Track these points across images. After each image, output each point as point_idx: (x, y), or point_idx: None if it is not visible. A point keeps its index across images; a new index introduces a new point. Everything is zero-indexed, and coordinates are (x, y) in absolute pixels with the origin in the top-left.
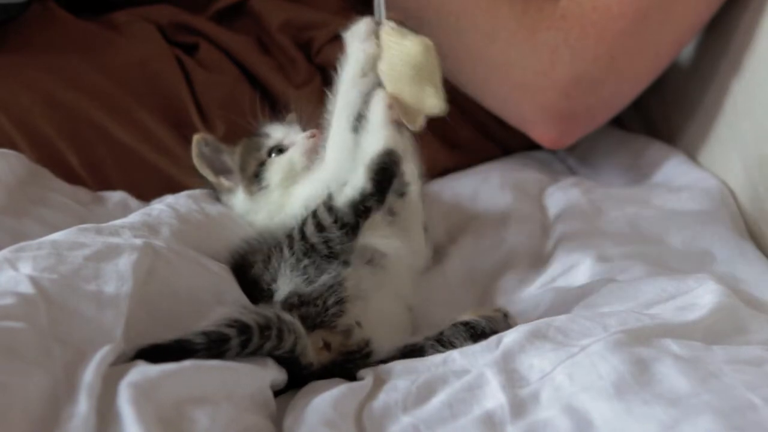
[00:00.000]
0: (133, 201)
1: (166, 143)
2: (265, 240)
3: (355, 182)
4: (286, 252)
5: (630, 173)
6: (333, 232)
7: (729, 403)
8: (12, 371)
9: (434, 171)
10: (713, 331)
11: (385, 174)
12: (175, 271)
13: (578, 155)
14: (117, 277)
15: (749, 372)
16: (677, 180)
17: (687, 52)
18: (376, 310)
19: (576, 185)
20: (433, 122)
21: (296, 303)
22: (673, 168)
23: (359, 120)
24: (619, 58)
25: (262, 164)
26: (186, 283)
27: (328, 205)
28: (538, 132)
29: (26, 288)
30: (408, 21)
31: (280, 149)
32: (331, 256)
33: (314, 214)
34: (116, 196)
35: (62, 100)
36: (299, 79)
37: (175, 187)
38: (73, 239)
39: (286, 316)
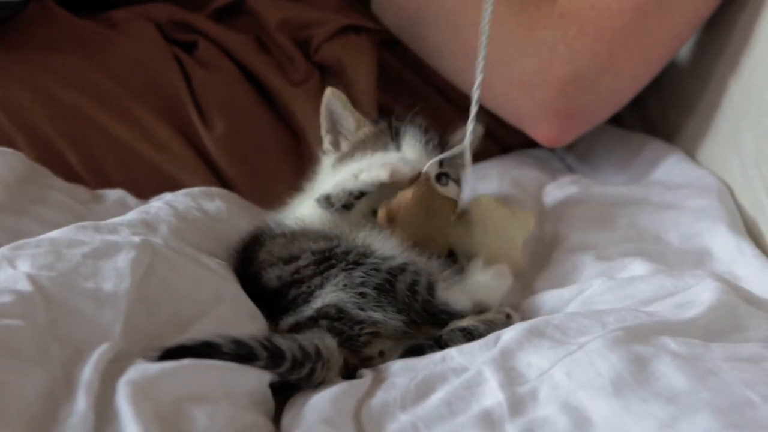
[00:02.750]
0: (131, 199)
1: (165, 141)
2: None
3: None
4: (358, 271)
5: (628, 171)
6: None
7: (727, 401)
8: (10, 369)
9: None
10: (712, 328)
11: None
12: (174, 269)
13: (577, 153)
14: (115, 275)
15: (747, 369)
16: (676, 178)
17: (685, 50)
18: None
19: (574, 183)
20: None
21: (333, 316)
22: (671, 166)
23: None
24: (618, 55)
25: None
26: (184, 281)
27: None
28: (536, 130)
29: (24, 286)
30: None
31: None
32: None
33: (414, 280)
34: (115, 195)
35: (61, 98)
36: (298, 77)
37: (174, 185)
38: (71, 237)
39: (326, 351)
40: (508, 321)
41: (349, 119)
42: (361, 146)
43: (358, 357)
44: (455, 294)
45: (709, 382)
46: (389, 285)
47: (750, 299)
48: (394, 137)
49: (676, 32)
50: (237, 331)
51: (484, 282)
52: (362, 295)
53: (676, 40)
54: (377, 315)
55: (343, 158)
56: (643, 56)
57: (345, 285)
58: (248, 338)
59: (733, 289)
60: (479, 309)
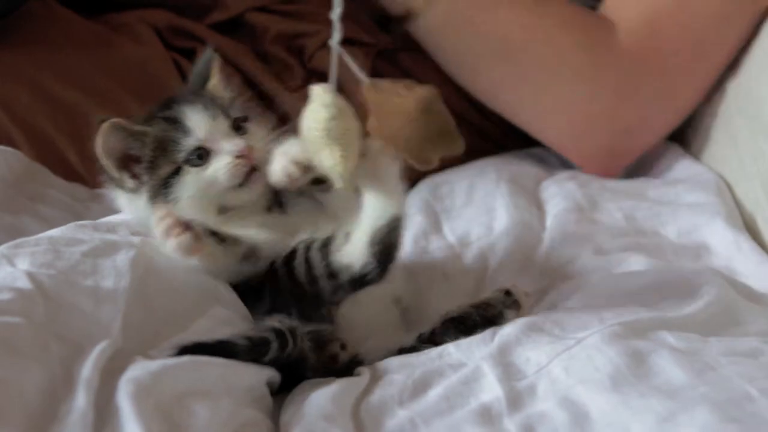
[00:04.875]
0: None
1: None
2: None
3: (355, 256)
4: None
5: (626, 167)
6: (326, 290)
7: (726, 395)
8: (9, 366)
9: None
10: (710, 323)
11: (390, 248)
12: (173, 268)
13: None
14: (115, 273)
15: (746, 364)
16: (674, 173)
17: None
18: (360, 320)
19: (572, 178)
20: None
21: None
22: (669, 161)
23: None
24: (678, 94)
25: (176, 171)
26: (183, 281)
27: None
28: (592, 167)
29: (24, 283)
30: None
31: (200, 154)
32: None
33: (309, 266)
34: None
35: (62, 97)
36: (295, 83)
37: None
38: (70, 235)
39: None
40: (508, 298)
41: (134, 141)
42: (156, 164)
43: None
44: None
45: (707, 377)
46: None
47: (748, 294)
48: (174, 125)
49: (722, 63)
50: (234, 330)
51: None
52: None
53: (720, 70)
54: (310, 327)
55: (156, 190)
56: (697, 89)
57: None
58: (254, 330)
59: (731, 283)
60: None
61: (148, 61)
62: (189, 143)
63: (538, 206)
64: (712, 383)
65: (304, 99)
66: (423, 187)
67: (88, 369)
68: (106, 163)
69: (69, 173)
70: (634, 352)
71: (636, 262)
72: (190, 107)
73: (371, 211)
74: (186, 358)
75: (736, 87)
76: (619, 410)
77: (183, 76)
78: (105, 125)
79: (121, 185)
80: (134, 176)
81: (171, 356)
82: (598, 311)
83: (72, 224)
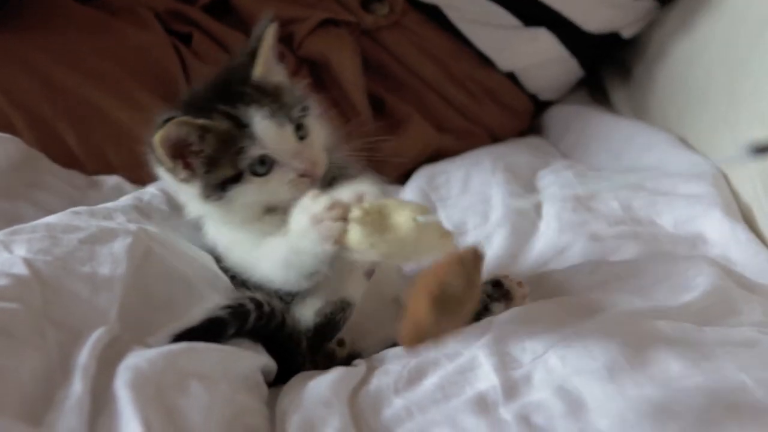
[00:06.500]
0: (127, 186)
1: None
2: None
3: (306, 318)
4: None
5: (623, 157)
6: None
7: (721, 384)
8: (6, 352)
9: (426, 151)
10: (706, 313)
11: (332, 327)
12: (168, 255)
13: (571, 140)
14: (112, 260)
15: (741, 353)
16: (670, 163)
17: (679, 35)
18: (359, 320)
19: (568, 168)
20: (423, 109)
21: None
22: (665, 152)
23: None
24: None
25: (237, 177)
26: (178, 268)
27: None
28: None
29: (20, 270)
30: None
31: (263, 160)
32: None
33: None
34: (111, 181)
35: (61, 81)
36: (287, 70)
37: None
38: (67, 222)
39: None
40: (496, 291)
41: (194, 136)
42: (217, 163)
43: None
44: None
45: (703, 367)
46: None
47: (744, 283)
48: (240, 129)
49: None
50: None
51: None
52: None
53: None
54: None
55: (211, 189)
56: None
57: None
58: (232, 301)
59: (727, 273)
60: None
61: (148, 46)
62: (255, 152)
63: (534, 195)
64: (707, 373)
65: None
66: (420, 177)
67: (84, 356)
68: (161, 152)
69: (68, 156)
70: (630, 342)
71: (632, 249)
72: (258, 111)
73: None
74: (183, 345)
75: (734, 74)
76: (615, 399)
77: (182, 60)
78: (172, 122)
79: (173, 173)
80: (187, 166)
81: (165, 344)
82: (593, 301)
83: (69, 210)
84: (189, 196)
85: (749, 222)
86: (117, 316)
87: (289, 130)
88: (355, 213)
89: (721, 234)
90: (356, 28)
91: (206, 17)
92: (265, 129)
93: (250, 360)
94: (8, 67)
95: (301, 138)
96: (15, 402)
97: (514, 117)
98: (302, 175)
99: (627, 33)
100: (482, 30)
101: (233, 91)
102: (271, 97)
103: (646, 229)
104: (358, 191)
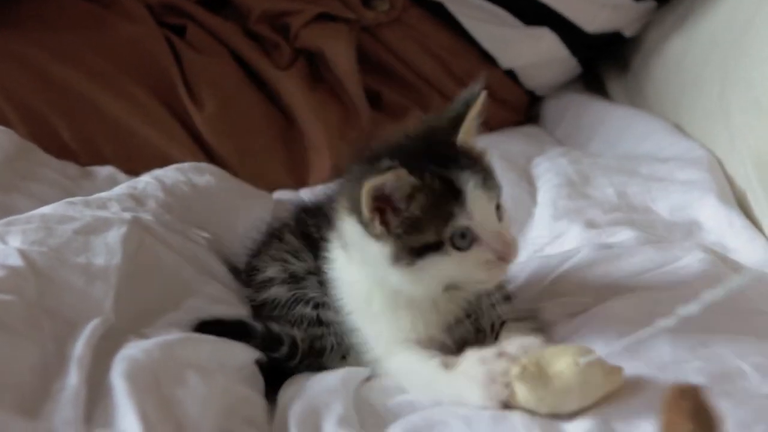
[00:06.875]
0: (121, 176)
1: (157, 118)
2: None
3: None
4: None
5: (618, 144)
6: None
7: (718, 369)
8: (1, 344)
9: None
10: (701, 299)
11: None
12: (164, 245)
13: (567, 128)
14: (106, 251)
15: (738, 340)
16: (665, 150)
17: (674, 22)
18: None
19: (563, 155)
20: (422, 105)
21: None
22: (661, 138)
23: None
24: None
25: (438, 245)
26: (174, 258)
27: None
28: None
29: (15, 261)
30: None
31: (464, 234)
32: None
33: None
34: (105, 171)
35: (55, 75)
36: (283, 62)
37: (165, 162)
38: (62, 213)
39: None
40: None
41: (401, 193)
42: (421, 226)
43: None
44: None
45: (699, 352)
46: None
47: (739, 270)
48: (454, 196)
49: None
50: (227, 308)
51: None
52: None
53: None
54: None
55: (405, 253)
56: None
57: None
58: (276, 325)
59: (721, 260)
60: None
61: (141, 39)
62: (462, 222)
63: (530, 182)
64: (704, 359)
65: (292, 77)
66: None
67: (80, 346)
68: (367, 200)
69: (62, 149)
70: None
71: (628, 234)
72: (472, 178)
73: None
74: (179, 335)
75: (728, 62)
76: None
77: (175, 52)
78: (393, 173)
79: (367, 226)
80: (383, 223)
81: (191, 330)
82: (589, 291)
83: (63, 201)
84: (372, 254)
85: (743, 207)
86: (112, 307)
87: (493, 206)
88: (515, 371)
89: (716, 220)
90: (356, 25)
91: (200, 9)
92: (476, 199)
93: (244, 352)
94: (2, 62)
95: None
96: (11, 393)
97: (511, 111)
98: (500, 258)
99: (629, 32)
100: (486, 27)
101: (442, 153)
102: (479, 166)
103: (641, 216)
104: (524, 345)
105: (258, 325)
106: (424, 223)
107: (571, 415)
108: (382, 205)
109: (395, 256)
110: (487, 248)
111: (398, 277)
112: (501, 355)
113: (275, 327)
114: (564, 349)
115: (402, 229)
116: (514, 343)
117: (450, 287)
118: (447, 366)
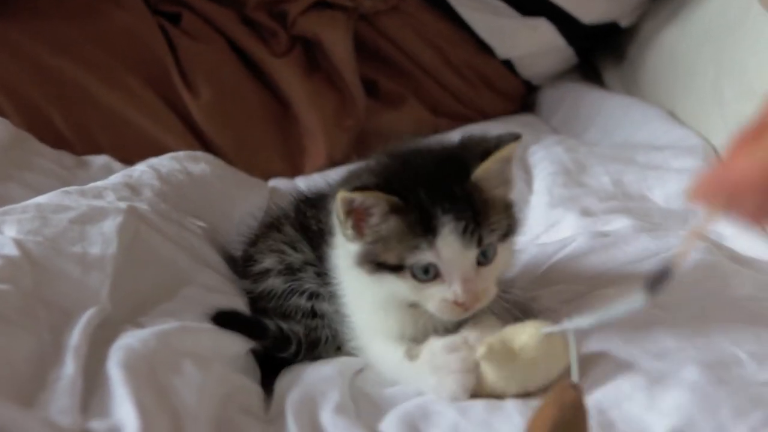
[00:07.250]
0: (116, 165)
1: (153, 107)
2: None
3: None
4: None
5: (614, 132)
6: None
7: (714, 357)
8: None
9: (420, 132)
10: (697, 287)
11: None
12: (159, 234)
13: (562, 116)
14: (102, 240)
15: (734, 327)
16: (661, 138)
17: (669, 10)
18: None
19: (559, 143)
20: (419, 94)
21: None
22: (656, 127)
23: None
24: None
25: (399, 267)
26: (170, 247)
27: None
28: None
29: (11, 250)
30: None
31: (427, 269)
32: None
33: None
34: (100, 160)
35: (49, 65)
36: (280, 49)
37: (160, 151)
38: (57, 202)
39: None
40: None
41: (375, 211)
42: (390, 246)
43: None
44: None
45: (696, 341)
46: None
47: (735, 257)
48: (425, 230)
49: None
50: (223, 297)
51: None
52: None
53: None
54: None
55: (372, 266)
56: None
57: None
58: (286, 324)
59: (717, 248)
60: None
61: (135, 28)
62: (426, 258)
63: (526, 170)
64: (701, 347)
65: (289, 65)
66: None
67: (76, 336)
68: (339, 207)
69: (57, 139)
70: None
71: (623, 222)
72: (451, 224)
73: None
74: (175, 324)
75: (722, 50)
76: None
77: (169, 41)
78: (366, 195)
79: (341, 226)
80: (357, 228)
81: (207, 321)
82: (584, 279)
83: (58, 190)
84: (345, 247)
85: None
86: (108, 296)
87: (472, 254)
88: (481, 351)
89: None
90: (353, 13)
91: None
92: (449, 245)
93: (242, 342)
94: None
95: (480, 264)
96: (7, 383)
97: (507, 100)
98: (455, 303)
99: (625, 22)
100: (483, 17)
101: (442, 185)
102: (473, 212)
103: (637, 204)
104: (484, 327)
105: (270, 324)
106: (392, 244)
107: None
108: (359, 211)
109: (360, 259)
110: (448, 290)
111: (360, 280)
112: (463, 342)
113: (284, 326)
114: (523, 324)
115: (371, 239)
116: (474, 329)
117: (413, 305)
118: (412, 356)
